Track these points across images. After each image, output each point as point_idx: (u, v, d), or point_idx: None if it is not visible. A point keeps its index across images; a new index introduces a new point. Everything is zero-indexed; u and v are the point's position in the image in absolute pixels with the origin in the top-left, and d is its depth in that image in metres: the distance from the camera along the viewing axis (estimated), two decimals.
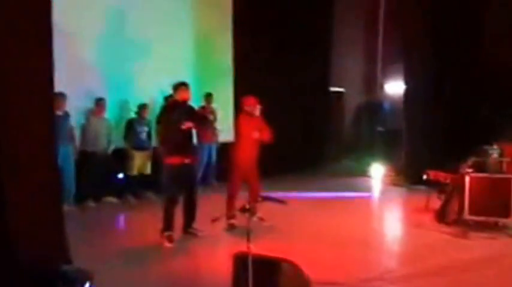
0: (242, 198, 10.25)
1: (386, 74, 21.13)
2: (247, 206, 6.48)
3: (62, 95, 12.42)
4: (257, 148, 11.24)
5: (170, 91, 12.92)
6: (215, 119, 14.72)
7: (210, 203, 10.47)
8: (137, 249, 9.91)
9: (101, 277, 7.62)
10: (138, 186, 14.23)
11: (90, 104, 13.61)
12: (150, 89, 14.74)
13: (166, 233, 9.84)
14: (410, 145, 16.45)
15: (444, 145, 14.89)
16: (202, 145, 14.86)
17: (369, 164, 18.16)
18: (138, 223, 12.11)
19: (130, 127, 14.02)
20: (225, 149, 14.19)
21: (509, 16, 15.02)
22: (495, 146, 11.34)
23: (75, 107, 13.19)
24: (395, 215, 13.94)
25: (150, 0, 14.83)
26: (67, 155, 12.61)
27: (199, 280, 8.63)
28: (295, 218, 11.76)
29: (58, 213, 8.23)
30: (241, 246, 6.30)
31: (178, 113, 10.12)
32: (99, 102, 13.53)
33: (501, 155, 11.22)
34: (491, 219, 10.88)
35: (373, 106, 22.04)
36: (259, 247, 6.35)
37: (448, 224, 11.27)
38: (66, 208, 10.99)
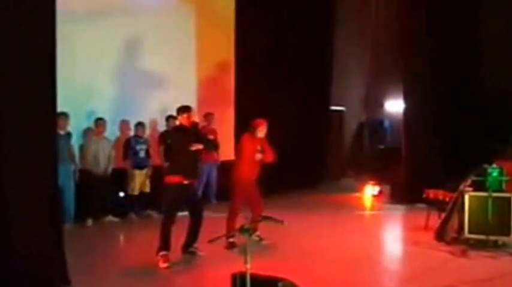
0: (241, 217, 10.24)
1: (386, 93, 21.19)
2: (246, 226, 6.48)
3: (65, 115, 12.51)
4: (259, 168, 11.28)
5: (171, 112, 13.19)
6: (215, 138, 14.72)
7: (210, 222, 10.44)
8: (136, 269, 9.87)
9: None
10: (139, 204, 14.25)
11: (89, 124, 13.65)
12: (151, 108, 14.80)
13: (161, 253, 9.77)
14: (410, 163, 16.44)
15: (444, 163, 14.90)
16: (203, 164, 14.86)
17: (368, 182, 18.15)
18: (138, 242, 12.10)
19: (129, 146, 14.04)
20: (225, 168, 14.21)
21: (510, 36, 15.09)
22: (495, 165, 11.32)
23: (74, 127, 13.25)
24: (394, 233, 13.91)
25: (151, 22, 14.84)
26: (68, 175, 12.65)
27: None
28: (293, 236, 11.73)
29: (57, 233, 8.24)
30: (240, 265, 6.30)
31: (187, 136, 10.14)
32: (99, 121, 13.54)
33: (501, 173, 11.20)
34: (491, 238, 10.81)
35: (373, 124, 22.09)
36: (258, 266, 6.35)
37: (447, 243, 11.22)
38: (66, 227, 11.03)
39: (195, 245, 10.30)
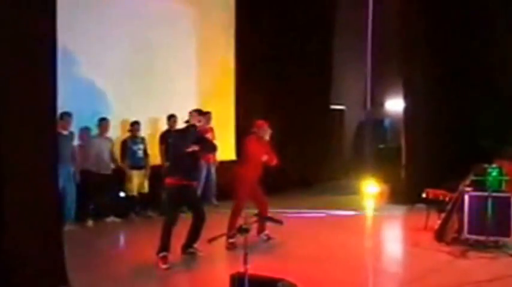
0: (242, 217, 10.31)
1: (387, 92, 21.18)
2: (245, 226, 6.48)
3: (68, 115, 12.53)
4: (262, 169, 11.36)
5: (172, 111, 13.26)
6: (213, 137, 14.70)
7: (210, 222, 10.44)
8: (136, 269, 9.88)
9: None
10: (139, 205, 14.26)
11: (89, 124, 13.64)
12: (152, 107, 14.83)
13: (161, 254, 9.78)
14: (410, 163, 16.43)
15: (444, 163, 14.87)
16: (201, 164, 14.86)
17: (368, 182, 18.14)
18: (138, 243, 12.08)
19: (125, 146, 14.02)
20: (224, 168, 14.21)
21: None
22: (494, 165, 11.32)
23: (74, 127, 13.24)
24: (394, 234, 13.92)
25: (150, 21, 14.86)
26: (69, 175, 12.66)
27: None
28: (293, 237, 11.73)
29: (57, 234, 8.25)
30: (239, 266, 6.30)
31: (187, 137, 10.19)
32: (102, 122, 13.54)
33: (501, 173, 11.20)
34: (491, 238, 10.82)
35: (374, 124, 22.06)
36: (257, 267, 6.35)
37: (447, 243, 11.22)
38: (67, 227, 11.08)
39: (195, 245, 10.31)
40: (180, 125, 13.54)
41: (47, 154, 8.02)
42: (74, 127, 13.08)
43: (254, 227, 10.46)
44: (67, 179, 12.50)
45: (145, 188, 14.25)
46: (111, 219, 13.69)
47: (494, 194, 10.89)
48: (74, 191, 12.84)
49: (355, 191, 18.19)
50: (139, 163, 14.10)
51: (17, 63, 7.43)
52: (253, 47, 16.89)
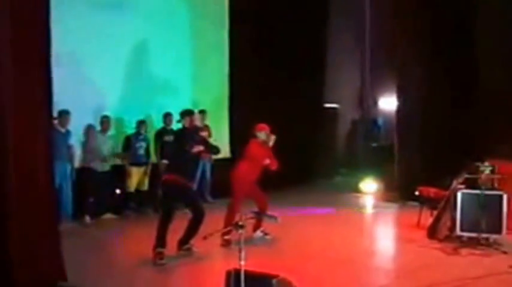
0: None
1: (380, 91, 21.22)
2: (240, 223, 6.51)
3: (66, 113, 12.57)
4: (261, 171, 11.46)
5: (167, 109, 13.32)
6: (210, 135, 14.72)
7: (204, 219, 10.47)
8: (132, 265, 9.92)
9: None
10: (136, 202, 14.30)
11: (89, 121, 13.67)
12: (148, 106, 14.87)
13: (157, 250, 9.85)
14: (403, 161, 16.47)
15: (437, 161, 14.90)
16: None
17: (362, 180, 18.17)
18: (135, 239, 12.10)
19: (129, 143, 14.07)
20: (218, 165, 14.24)
21: (503, 37, 15.13)
22: (487, 163, 11.36)
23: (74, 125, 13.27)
24: (387, 231, 13.94)
25: (148, 23, 14.91)
26: (65, 172, 12.68)
27: None
28: (287, 234, 11.77)
29: (54, 231, 8.27)
30: (235, 262, 6.34)
31: (188, 138, 10.33)
32: (104, 119, 13.58)
33: (493, 171, 11.23)
34: (483, 235, 10.87)
35: (367, 122, 22.11)
36: (252, 263, 6.39)
37: (439, 240, 11.28)
38: (64, 224, 11.09)
39: (191, 242, 10.35)
40: (176, 123, 13.72)
41: (43, 151, 8.05)
42: (71, 124, 13.08)
43: (250, 224, 10.49)
44: (63, 177, 12.53)
45: (145, 186, 14.34)
46: (108, 216, 13.72)
47: (487, 192, 10.93)
48: (70, 188, 12.86)
49: (349, 189, 18.22)
50: (140, 160, 14.19)
51: (13, 62, 7.44)
52: (247, 46, 16.88)
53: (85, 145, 13.47)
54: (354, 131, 22.76)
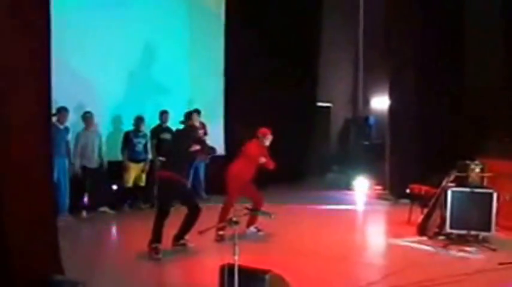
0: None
1: (372, 90, 21.25)
2: (234, 219, 6.55)
3: (65, 110, 12.65)
4: (256, 169, 11.57)
5: (163, 107, 13.35)
6: (206, 133, 14.74)
7: (201, 215, 10.51)
8: (128, 259, 9.94)
9: None
10: (133, 197, 14.34)
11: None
12: (145, 103, 14.90)
13: (153, 245, 9.89)
14: (395, 159, 16.53)
15: (428, 159, 14.96)
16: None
17: (354, 178, 18.22)
18: (130, 234, 12.14)
19: (127, 139, 14.11)
20: (213, 162, 14.25)
21: (492, 38, 15.19)
22: (477, 162, 11.40)
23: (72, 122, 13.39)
24: (378, 228, 14.00)
25: (146, 23, 14.96)
26: (63, 168, 12.73)
27: None
28: (280, 230, 11.78)
29: (52, 224, 8.27)
30: (229, 257, 6.37)
31: (187, 137, 10.44)
32: (87, 115, 13.54)
33: (483, 170, 11.28)
34: (472, 232, 10.92)
35: (359, 121, 22.14)
36: (245, 259, 6.42)
37: (429, 237, 11.33)
38: (61, 218, 11.12)
39: (186, 237, 10.40)
40: (173, 121, 13.79)
41: (42, 147, 8.07)
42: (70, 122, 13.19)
43: (244, 220, 10.54)
44: (61, 172, 12.58)
45: (143, 182, 14.38)
46: (104, 210, 13.75)
47: (477, 190, 10.97)
48: (67, 183, 12.91)
49: (341, 186, 18.28)
50: (137, 157, 14.23)
51: (12, 58, 7.45)
52: (242, 45, 16.88)
53: (75, 142, 13.52)
54: (346, 130, 22.79)
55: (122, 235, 12.61)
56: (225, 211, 11.00)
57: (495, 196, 10.92)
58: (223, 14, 17.09)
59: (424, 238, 11.36)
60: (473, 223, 10.84)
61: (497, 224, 11.06)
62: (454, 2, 15.72)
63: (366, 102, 22.04)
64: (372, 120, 21.75)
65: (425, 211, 11.80)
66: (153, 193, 13.56)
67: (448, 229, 11.10)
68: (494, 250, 10.47)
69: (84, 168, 13.49)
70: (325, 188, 18.37)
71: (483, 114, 14.68)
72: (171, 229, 10.23)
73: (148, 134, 14.59)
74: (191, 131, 10.48)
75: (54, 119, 11.91)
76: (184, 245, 10.42)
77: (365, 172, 18.29)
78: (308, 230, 12.41)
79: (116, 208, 14.03)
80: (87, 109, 13.60)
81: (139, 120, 14.24)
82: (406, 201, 13.64)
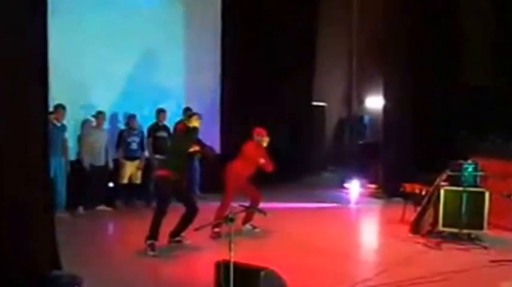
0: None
1: (367, 90, 21.24)
2: (230, 216, 6.57)
3: (62, 107, 12.67)
4: (255, 169, 11.60)
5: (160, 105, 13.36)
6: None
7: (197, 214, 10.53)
8: (124, 255, 9.99)
9: (89, 282, 7.72)
10: (128, 194, 14.35)
11: (84, 116, 13.81)
12: (142, 102, 14.95)
13: (149, 242, 9.91)
14: (389, 158, 16.53)
15: (421, 158, 14.97)
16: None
17: (348, 177, 18.21)
18: (127, 231, 12.18)
19: (122, 138, 14.12)
20: (205, 156, 14.27)
21: (487, 38, 15.23)
22: (470, 161, 11.43)
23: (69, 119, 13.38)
24: (371, 226, 14.03)
25: (145, 18, 14.99)
26: (60, 165, 12.74)
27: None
28: (275, 228, 11.85)
29: (49, 221, 8.29)
30: (225, 254, 6.39)
31: (187, 138, 10.48)
32: (100, 115, 13.65)
33: (476, 169, 11.30)
34: (465, 231, 10.94)
35: (354, 120, 22.13)
36: (241, 255, 6.44)
37: (422, 235, 11.34)
38: (58, 214, 11.13)
39: (182, 234, 10.42)
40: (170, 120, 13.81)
41: (39, 144, 8.07)
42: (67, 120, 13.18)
43: (239, 217, 10.56)
44: (58, 169, 12.59)
45: (138, 179, 14.38)
46: (101, 207, 13.76)
47: (469, 189, 11.00)
48: (64, 180, 12.93)
49: (335, 185, 18.29)
50: (132, 154, 14.26)
51: (9, 56, 7.45)
52: (238, 45, 16.89)
53: (81, 139, 13.54)
54: (340, 129, 22.76)
55: (118, 231, 12.64)
56: (222, 209, 11.03)
57: (487, 195, 10.96)
58: (220, 15, 17.05)
59: (417, 236, 11.38)
60: (466, 221, 10.86)
61: (489, 222, 11.10)
62: (449, 2, 15.73)
63: (361, 101, 22.01)
64: (366, 119, 21.73)
65: (419, 209, 11.81)
66: (149, 191, 13.65)
67: (440, 227, 11.14)
68: (486, 248, 10.50)
69: (91, 166, 13.56)
70: (320, 187, 18.37)
71: (476, 115, 14.70)
72: (167, 226, 10.25)
73: (145, 131, 14.59)
74: (191, 132, 10.48)
75: (51, 116, 11.92)
76: (180, 242, 10.45)
77: (359, 170, 18.27)
78: (303, 228, 12.42)
79: (112, 205, 14.01)
80: (86, 108, 13.63)
81: (131, 118, 14.26)
82: (400, 199, 13.66)
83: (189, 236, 10.34)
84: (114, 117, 14.67)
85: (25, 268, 7.47)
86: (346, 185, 17.87)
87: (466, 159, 11.47)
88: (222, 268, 6.53)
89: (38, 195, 7.95)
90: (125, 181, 14.21)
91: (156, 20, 15.26)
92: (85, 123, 13.76)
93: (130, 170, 14.23)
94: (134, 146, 14.23)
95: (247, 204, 10.91)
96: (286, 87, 18.36)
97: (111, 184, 14.19)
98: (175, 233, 10.43)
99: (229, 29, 17.01)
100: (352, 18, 21.31)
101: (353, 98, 22.18)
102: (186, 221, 10.33)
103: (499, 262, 9.50)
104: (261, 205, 11.30)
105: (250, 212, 11.13)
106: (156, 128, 14.56)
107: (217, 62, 16.94)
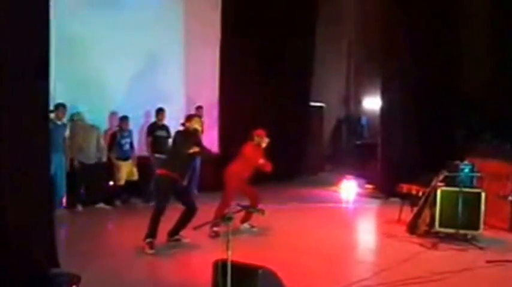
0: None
1: (365, 91, 21.28)
2: (228, 215, 6.55)
3: (63, 106, 12.68)
4: (254, 170, 11.61)
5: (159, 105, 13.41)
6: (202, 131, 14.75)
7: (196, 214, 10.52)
8: (122, 253, 9.95)
9: (87, 280, 7.69)
10: (126, 193, 14.35)
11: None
12: (141, 101, 14.94)
13: (147, 240, 9.90)
14: (386, 159, 16.52)
15: (418, 159, 14.99)
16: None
17: (346, 176, 18.22)
18: (125, 229, 12.15)
19: (114, 139, 14.12)
20: (205, 158, 14.27)
21: (486, 42, 15.25)
22: (467, 162, 11.43)
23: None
24: (368, 226, 14.02)
25: (144, 18, 14.96)
26: (60, 163, 12.73)
27: (181, 285, 8.68)
28: (273, 227, 11.86)
29: (48, 219, 8.27)
30: (223, 253, 6.37)
31: (187, 139, 10.44)
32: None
33: (472, 170, 11.30)
34: (461, 231, 10.93)
35: (351, 121, 22.18)
36: (239, 255, 6.42)
37: (419, 235, 11.33)
38: (57, 212, 11.14)
39: (180, 233, 10.42)
40: (168, 119, 13.83)
41: (39, 142, 8.06)
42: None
43: (238, 217, 10.55)
44: (58, 167, 12.58)
45: (135, 175, 14.40)
46: (100, 206, 13.76)
47: (466, 189, 10.99)
48: (64, 178, 12.95)
49: (333, 185, 18.28)
50: (126, 155, 14.25)
51: (10, 55, 7.43)
52: (237, 45, 16.89)
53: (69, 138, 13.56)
54: (339, 129, 22.84)
55: (117, 229, 12.62)
56: (221, 209, 11.03)
57: (483, 195, 10.95)
58: (220, 16, 17.03)
59: (414, 236, 11.36)
60: (462, 222, 10.85)
61: (485, 223, 11.09)
62: (447, 5, 15.72)
63: (358, 102, 22.09)
64: (364, 120, 21.79)
65: (415, 209, 11.80)
66: (147, 189, 13.65)
67: (437, 228, 11.14)
68: (482, 248, 10.48)
69: (82, 163, 13.53)
70: (318, 187, 18.35)
71: (473, 116, 14.72)
72: (166, 224, 10.23)
73: (135, 132, 14.64)
74: (192, 133, 10.48)
75: (52, 115, 11.91)
76: (178, 240, 10.44)
77: (357, 170, 18.30)
78: (300, 228, 12.41)
79: (111, 204, 14.01)
80: (84, 107, 13.64)
81: (123, 119, 14.24)
82: (396, 199, 13.65)
83: (187, 235, 10.33)
84: (109, 117, 14.66)
85: (23, 265, 7.45)
86: (343, 185, 17.86)
87: (462, 160, 11.49)
88: (220, 267, 6.50)
89: (37, 192, 7.93)
90: (122, 182, 14.19)
91: (156, 20, 15.23)
92: (72, 121, 13.58)
93: (126, 170, 14.22)
94: (127, 147, 14.24)
95: (246, 204, 10.91)
96: (284, 88, 18.37)
97: (111, 182, 14.17)
98: (174, 232, 10.42)
99: (228, 30, 16.99)
100: (351, 20, 21.35)
101: (351, 98, 22.28)
102: (184, 220, 10.32)
103: (495, 263, 9.49)
104: (259, 204, 11.29)
105: (248, 211, 11.12)
106: (155, 127, 14.56)
107: (216, 62, 16.92)
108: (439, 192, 11.14)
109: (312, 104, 21.01)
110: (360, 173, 18.12)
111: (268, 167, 11.55)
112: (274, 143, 11.97)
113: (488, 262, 9.55)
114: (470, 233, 11.01)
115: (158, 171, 10.76)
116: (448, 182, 11.26)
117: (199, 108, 15.12)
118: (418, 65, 15.71)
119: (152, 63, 15.24)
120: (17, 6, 7.47)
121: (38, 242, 7.83)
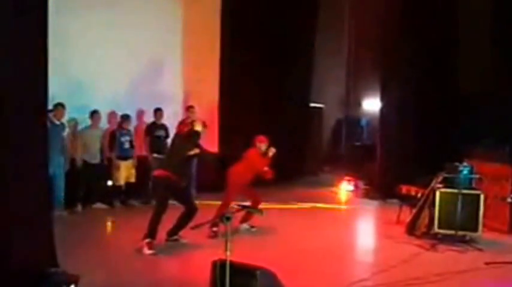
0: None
1: (364, 92, 21.25)
2: (227, 215, 6.52)
3: (62, 106, 12.66)
4: (255, 174, 11.60)
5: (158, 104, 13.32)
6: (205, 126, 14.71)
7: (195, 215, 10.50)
8: (122, 254, 9.93)
9: (86, 280, 7.67)
10: (125, 194, 14.32)
11: (78, 115, 13.72)
12: (139, 100, 14.94)
13: (147, 240, 9.87)
14: (385, 160, 16.51)
15: (417, 160, 14.95)
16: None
17: (344, 178, 18.20)
18: (123, 229, 12.13)
19: (114, 138, 14.08)
20: (205, 160, 14.26)
21: (485, 45, 15.24)
22: (466, 163, 11.41)
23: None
24: (367, 227, 14.02)
25: (143, 17, 14.94)
26: (59, 163, 12.70)
27: (180, 285, 8.65)
28: (272, 227, 11.86)
29: (47, 219, 8.24)
30: (222, 253, 6.33)
31: (187, 141, 10.46)
32: (95, 114, 13.61)
33: (471, 172, 11.27)
34: (460, 233, 10.91)
35: (351, 122, 22.16)
36: (237, 255, 6.39)
37: (418, 236, 11.32)
38: (56, 212, 11.11)
39: (180, 233, 10.40)
40: (168, 119, 13.78)
41: (38, 143, 8.03)
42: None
43: (237, 217, 10.54)
44: (57, 167, 12.54)
45: (133, 178, 14.34)
46: (98, 205, 13.74)
47: (465, 191, 10.96)
48: (63, 178, 12.90)
49: (332, 186, 18.26)
50: (126, 154, 14.19)
51: (8, 55, 7.40)
52: (237, 46, 16.86)
53: (76, 138, 13.58)
54: (338, 130, 22.82)
55: (116, 229, 12.59)
56: (221, 210, 11.00)
57: (482, 197, 10.93)
58: (220, 17, 17.01)
59: (413, 238, 11.34)
60: (461, 223, 10.83)
61: (483, 224, 11.07)
62: (448, 6, 15.71)
63: (358, 104, 22.06)
64: (363, 121, 21.77)
65: (414, 211, 11.78)
66: (146, 190, 13.63)
67: (436, 229, 11.12)
68: (480, 250, 10.47)
69: (85, 163, 13.53)
70: (317, 187, 18.33)
71: (471, 118, 14.69)
72: (165, 224, 10.22)
73: (133, 130, 14.63)
74: (192, 135, 10.47)
75: (50, 115, 11.90)
76: (177, 240, 10.44)
77: (356, 171, 18.28)
78: (300, 228, 12.40)
79: (110, 204, 14.00)
80: (83, 107, 13.63)
81: (124, 118, 14.22)
82: (395, 201, 13.62)
83: (186, 235, 10.30)
84: (108, 116, 14.58)
85: (22, 265, 7.41)
86: (342, 186, 17.84)
87: (461, 161, 11.47)
88: (219, 267, 6.47)
89: (36, 193, 7.90)
90: (122, 182, 14.17)
91: (156, 20, 15.21)
92: (76, 122, 13.70)
93: (126, 170, 14.20)
94: (127, 145, 14.19)
95: (246, 204, 10.89)
96: (284, 89, 18.35)
97: (110, 183, 14.14)
98: (173, 232, 10.42)
99: (228, 31, 16.96)
100: (350, 21, 21.34)
101: (350, 100, 22.25)
102: (184, 221, 10.31)
103: (493, 264, 9.47)
104: (259, 205, 11.30)
105: (248, 211, 11.10)
106: (154, 127, 14.55)
107: (216, 62, 16.89)
108: (438, 193, 11.13)
109: (312, 105, 20.99)
110: (359, 174, 18.08)
111: (270, 175, 11.54)
112: (274, 144, 11.94)
113: (487, 263, 9.53)
114: (469, 234, 10.98)
115: (156, 172, 10.75)
116: (447, 183, 11.24)
117: (190, 107, 15.06)
118: (417, 67, 15.68)
119: (152, 63, 15.20)
120: (16, 6, 7.44)
121: (37, 242, 7.79)
